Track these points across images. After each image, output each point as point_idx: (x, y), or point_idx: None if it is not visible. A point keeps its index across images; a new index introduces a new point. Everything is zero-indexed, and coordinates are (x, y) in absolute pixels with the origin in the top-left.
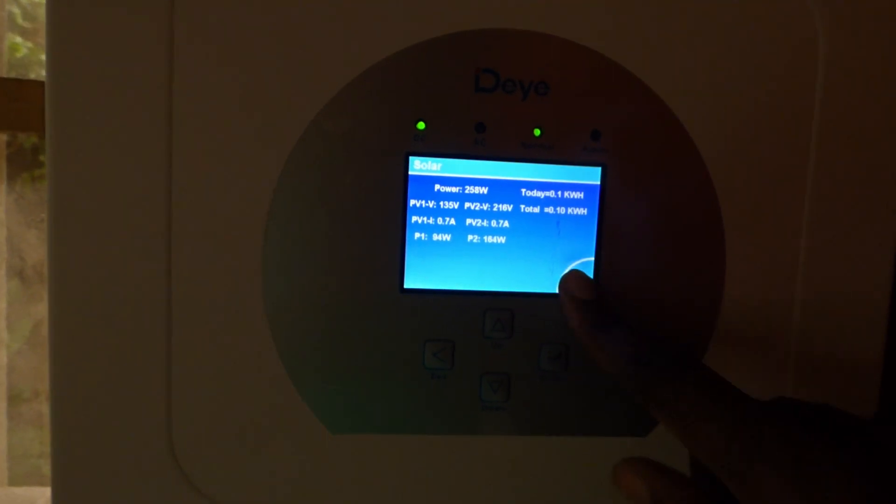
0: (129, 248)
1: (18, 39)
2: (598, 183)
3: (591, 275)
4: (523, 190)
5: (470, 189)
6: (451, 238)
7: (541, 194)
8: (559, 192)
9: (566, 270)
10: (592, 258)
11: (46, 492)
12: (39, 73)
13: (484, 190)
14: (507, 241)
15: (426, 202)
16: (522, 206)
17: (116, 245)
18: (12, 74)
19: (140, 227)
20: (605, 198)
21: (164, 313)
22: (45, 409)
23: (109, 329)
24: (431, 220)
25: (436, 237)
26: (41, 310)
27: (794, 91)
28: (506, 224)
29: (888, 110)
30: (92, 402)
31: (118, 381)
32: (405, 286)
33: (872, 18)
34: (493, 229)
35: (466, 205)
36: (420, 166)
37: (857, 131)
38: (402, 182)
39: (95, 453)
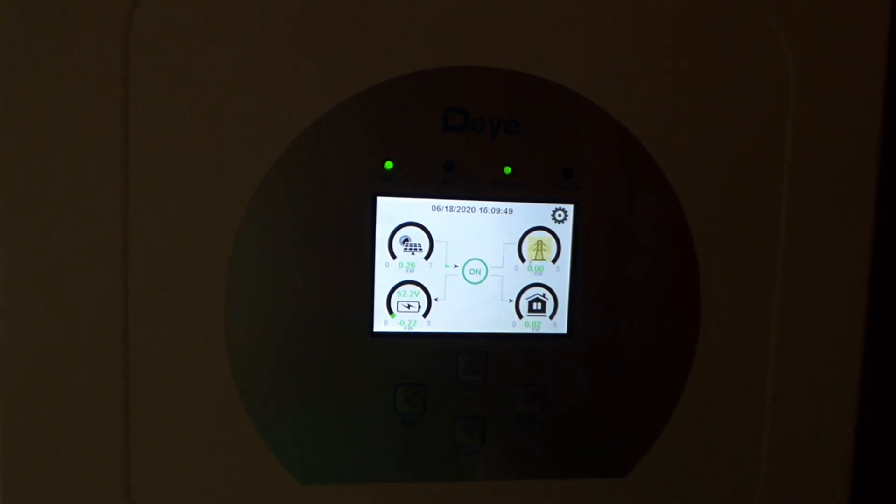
0: (86, 288)
1: None
2: (571, 220)
3: (566, 313)
4: (495, 229)
5: (439, 230)
6: (420, 281)
7: (513, 233)
8: (532, 231)
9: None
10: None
11: None
12: None
13: (454, 230)
14: (479, 281)
15: (395, 244)
16: (494, 246)
17: (72, 287)
18: None
19: (96, 268)
20: (578, 235)
21: (122, 364)
22: None
23: (64, 377)
24: (400, 263)
25: (405, 280)
26: None
27: (766, 126)
28: (478, 264)
29: (858, 147)
30: (45, 458)
31: (75, 431)
32: (374, 330)
33: (839, 48)
34: (464, 271)
35: (436, 246)
36: (388, 207)
37: (829, 166)
38: (369, 224)
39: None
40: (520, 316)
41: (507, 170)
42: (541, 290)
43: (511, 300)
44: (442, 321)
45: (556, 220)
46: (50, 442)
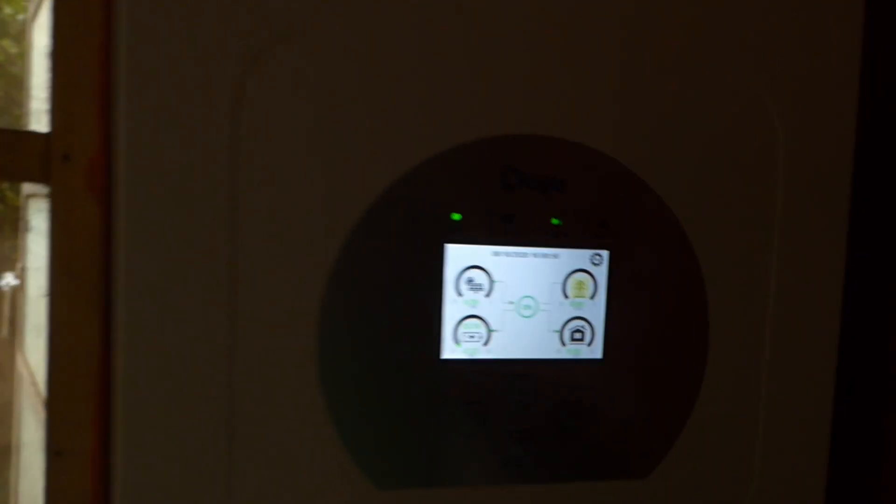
0: (194, 323)
1: None
2: (607, 264)
3: (601, 341)
4: (545, 271)
5: (498, 272)
6: (481, 315)
7: (559, 275)
8: (574, 272)
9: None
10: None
11: None
12: None
13: (511, 272)
14: (530, 315)
15: (461, 284)
16: (543, 285)
17: (182, 324)
18: None
19: (204, 310)
20: (612, 276)
21: (226, 384)
22: None
23: (175, 404)
24: (465, 300)
25: (469, 314)
26: None
27: (760, 186)
28: (530, 301)
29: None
30: (160, 463)
31: (186, 439)
32: (443, 357)
33: (821, 110)
34: (518, 306)
35: (495, 285)
36: (456, 253)
37: (812, 224)
38: (440, 266)
39: None
40: (563, 344)
41: (555, 221)
42: (581, 323)
43: (556, 331)
44: (499, 349)
45: (594, 264)
46: (164, 449)
